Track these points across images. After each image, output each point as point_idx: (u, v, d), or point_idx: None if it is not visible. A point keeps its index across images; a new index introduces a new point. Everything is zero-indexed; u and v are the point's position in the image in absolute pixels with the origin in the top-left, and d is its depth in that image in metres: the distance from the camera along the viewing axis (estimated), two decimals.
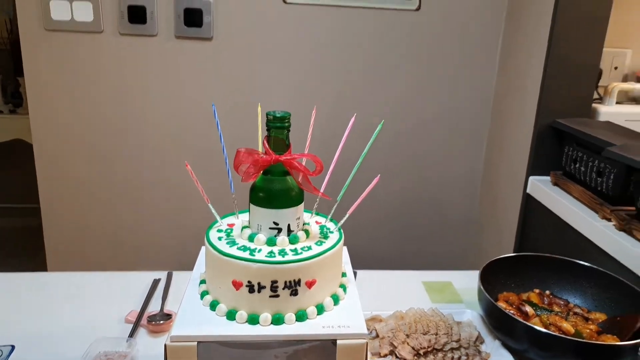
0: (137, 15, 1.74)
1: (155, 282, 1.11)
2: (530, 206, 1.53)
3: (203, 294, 0.67)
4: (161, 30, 1.76)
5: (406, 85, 1.83)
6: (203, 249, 0.81)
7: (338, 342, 0.61)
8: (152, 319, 0.95)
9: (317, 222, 0.75)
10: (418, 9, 1.74)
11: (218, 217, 0.72)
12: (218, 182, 1.92)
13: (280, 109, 0.70)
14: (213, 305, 0.64)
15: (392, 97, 1.83)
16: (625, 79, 1.76)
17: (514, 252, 1.62)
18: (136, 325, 0.94)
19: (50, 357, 0.81)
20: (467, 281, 1.18)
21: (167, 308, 1.01)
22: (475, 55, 1.81)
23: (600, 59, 1.40)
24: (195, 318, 0.63)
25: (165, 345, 0.60)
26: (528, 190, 1.52)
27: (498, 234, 1.78)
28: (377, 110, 1.82)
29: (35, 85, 1.77)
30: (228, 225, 0.72)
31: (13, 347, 0.83)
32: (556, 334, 0.85)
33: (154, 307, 1.02)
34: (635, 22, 1.83)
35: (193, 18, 1.76)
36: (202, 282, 0.70)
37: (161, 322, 0.95)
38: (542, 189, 1.44)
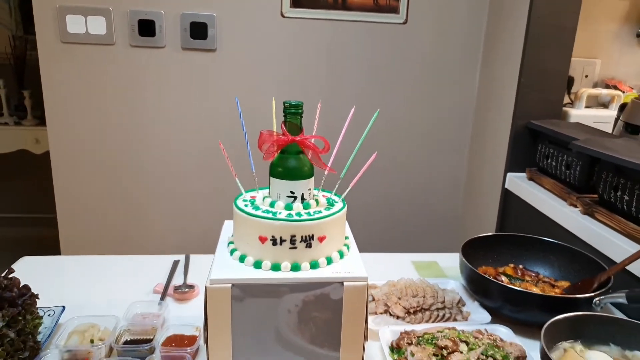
0: (146, 28, 1.90)
1: (175, 263, 1.25)
2: (509, 199, 1.69)
3: (232, 251, 0.81)
4: (169, 42, 1.91)
5: (395, 93, 2.00)
6: (226, 222, 0.96)
7: (345, 283, 0.76)
8: (177, 288, 1.09)
9: (323, 196, 0.90)
10: (405, 22, 1.91)
11: (242, 190, 0.87)
12: (225, 182, 2.07)
13: (280, 114, 0.85)
14: (242, 258, 0.79)
15: (383, 104, 1.99)
16: (595, 86, 1.94)
17: None
18: (164, 293, 1.08)
19: (95, 316, 0.94)
20: (451, 261, 1.33)
21: (189, 281, 1.15)
22: (458, 66, 1.98)
23: (569, 66, 1.58)
24: (228, 267, 0.78)
25: (205, 287, 0.74)
26: (506, 186, 1.69)
27: (480, 226, 1.94)
28: (369, 114, 1.98)
29: (53, 96, 1.91)
30: (251, 197, 0.87)
31: (64, 307, 0.97)
32: (525, 289, 1.00)
33: (177, 281, 1.16)
34: (603, 34, 2.02)
35: (198, 31, 1.92)
36: (230, 243, 0.84)
37: (186, 290, 1.09)
38: (519, 183, 1.61)
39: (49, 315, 0.97)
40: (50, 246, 2.10)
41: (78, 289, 1.13)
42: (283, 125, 0.82)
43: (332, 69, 1.96)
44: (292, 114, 0.81)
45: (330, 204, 0.85)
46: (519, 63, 1.62)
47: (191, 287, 1.11)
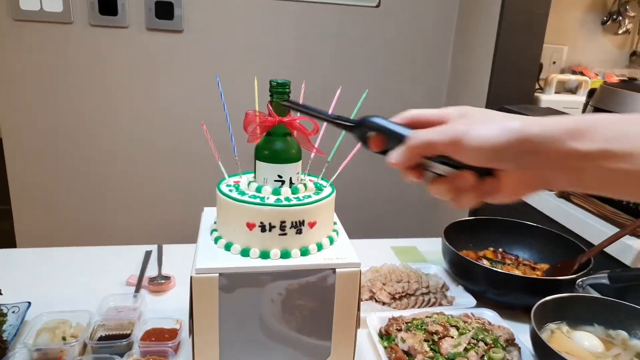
0: (108, 6, 1.79)
1: (148, 253, 1.19)
2: None
3: (217, 239, 0.77)
4: (132, 21, 1.82)
5: (365, 77, 1.97)
6: (206, 209, 0.91)
7: (337, 270, 0.73)
8: (153, 280, 1.04)
9: (310, 180, 0.86)
10: (378, 5, 1.89)
11: (225, 175, 0.82)
12: (193, 167, 2.01)
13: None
14: (228, 246, 0.75)
15: (352, 88, 1.96)
16: (562, 72, 1.97)
17: None
18: (138, 285, 1.03)
19: (65, 312, 0.88)
20: (430, 246, 1.33)
21: (164, 272, 1.09)
22: (430, 50, 1.98)
23: (541, 52, 1.60)
24: (214, 256, 0.73)
25: (191, 277, 0.70)
26: None
27: (454, 210, 1.95)
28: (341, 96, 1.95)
29: (4, 79, 1.79)
30: (234, 182, 0.82)
31: (29, 303, 0.90)
32: (509, 272, 1.00)
33: (150, 272, 1.10)
34: (570, 21, 2.05)
35: (164, 10, 1.83)
36: (213, 230, 0.80)
37: (162, 282, 1.03)
38: None
39: (13, 312, 0.90)
40: (3, 240, 1.98)
41: (43, 283, 1.05)
42: (269, 106, 0.77)
43: (303, 51, 1.92)
44: (279, 93, 0.77)
45: (319, 188, 0.82)
46: (493, 49, 1.62)
47: (167, 278, 1.06)
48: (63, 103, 1.84)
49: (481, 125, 0.46)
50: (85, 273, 1.11)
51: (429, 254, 1.28)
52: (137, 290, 1.01)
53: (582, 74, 1.90)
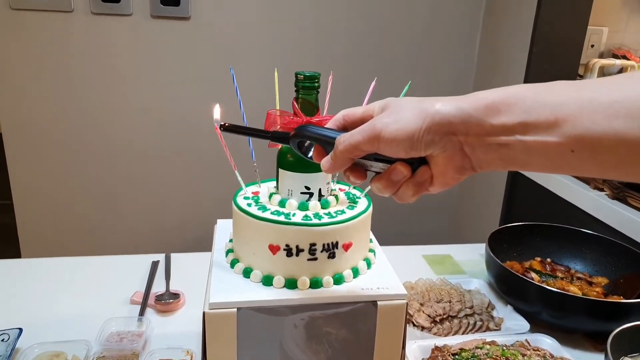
0: None
1: (155, 264, 1.08)
2: (517, 181, 1.56)
3: (233, 263, 0.65)
4: (136, 9, 1.70)
5: (389, 63, 1.83)
6: (219, 222, 0.79)
7: (379, 303, 0.60)
8: (160, 298, 0.92)
9: (340, 189, 0.74)
10: None
11: (243, 185, 0.70)
12: (205, 168, 1.88)
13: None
14: (247, 272, 0.62)
15: (373, 77, 1.83)
16: (601, 56, 1.81)
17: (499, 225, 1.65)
18: (144, 305, 0.91)
19: (60, 342, 0.77)
20: (466, 254, 1.20)
21: (172, 288, 0.98)
22: (453, 32, 1.83)
23: (585, 35, 1.44)
24: (230, 285, 0.61)
25: (203, 313, 0.58)
26: None
27: (479, 209, 1.81)
28: (360, 90, 1.82)
29: (2, 71, 1.68)
30: (253, 193, 0.70)
31: (20, 330, 0.79)
32: (569, 293, 0.87)
33: (157, 288, 0.98)
34: (610, 0, 1.89)
35: None
36: (229, 251, 0.68)
37: (170, 301, 0.91)
38: None
39: (2, 340, 0.79)
40: (6, 234, 1.89)
41: (38, 303, 0.93)
42: (295, 103, 0.65)
43: (321, 37, 1.78)
44: (307, 88, 0.64)
45: (352, 200, 0.69)
46: (531, 31, 1.47)
47: (176, 295, 0.94)
48: (63, 96, 1.72)
49: (398, 115, 0.46)
50: (85, 289, 0.99)
51: (466, 264, 1.15)
52: (142, 312, 0.89)
53: (625, 57, 1.74)
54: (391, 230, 2.03)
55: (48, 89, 1.71)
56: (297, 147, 0.55)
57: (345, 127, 0.52)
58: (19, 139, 1.74)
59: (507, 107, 0.42)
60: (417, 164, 0.48)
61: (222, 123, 0.58)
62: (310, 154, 0.54)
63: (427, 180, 0.48)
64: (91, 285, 1.00)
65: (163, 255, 1.12)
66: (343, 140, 0.48)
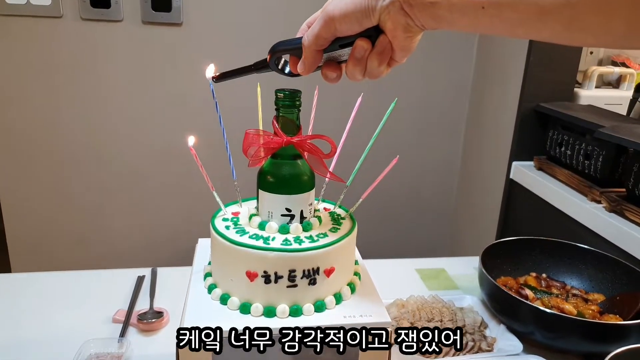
0: None
1: (140, 279, 1.05)
2: (514, 192, 1.53)
3: (211, 288, 0.62)
4: (127, 15, 1.67)
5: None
6: (201, 241, 0.76)
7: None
8: (142, 317, 0.90)
9: (325, 209, 0.71)
10: None
11: (222, 206, 0.67)
12: (194, 178, 1.85)
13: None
14: (224, 299, 0.60)
15: (367, 84, 1.80)
16: (600, 63, 1.78)
17: (496, 239, 1.62)
18: (126, 324, 0.88)
19: None
20: (460, 267, 1.18)
21: (157, 305, 0.95)
22: (452, 43, 1.80)
23: None
24: (206, 313, 0.58)
25: (177, 344, 0.55)
26: (511, 176, 1.52)
27: (476, 221, 1.79)
28: (353, 98, 1.79)
29: None
30: (233, 214, 0.67)
31: None
32: (563, 314, 0.84)
33: (141, 305, 0.96)
34: None
35: (161, 2, 1.68)
36: (208, 275, 0.65)
37: (153, 320, 0.89)
38: (527, 173, 1.44)
39: None
40: None
41: (12, 321, 0.91)
42: (275, 122, 0.62)
43: None
44: (288, 106, 0.61)
45: (336, 221, 0.67)
46: (528, 40, 1.44)
47: (159, 314, 0.91)
48: (52, 103, 1.70)
49: None
50: (67, 305, 0.96)
51: (460, 279, 1.12)
52: (122, 333, 0.86)
53: (624, 65, 1.71)
54: (386, 241, 2.00)
55: (36, 97, 1.68)
56: (277, 68, 0.58)
57: None
58: (4, 149, 1.71)
59: None
60: (374, 37, 0.50)
61: (212, 75, 0.62)
62: (288, 69, 0.58)
63: (387, 48, 0.51)
64: (74, 302, 0.98)
65: (149, 269, 1.09)
66: (306, 36, 0.53)
